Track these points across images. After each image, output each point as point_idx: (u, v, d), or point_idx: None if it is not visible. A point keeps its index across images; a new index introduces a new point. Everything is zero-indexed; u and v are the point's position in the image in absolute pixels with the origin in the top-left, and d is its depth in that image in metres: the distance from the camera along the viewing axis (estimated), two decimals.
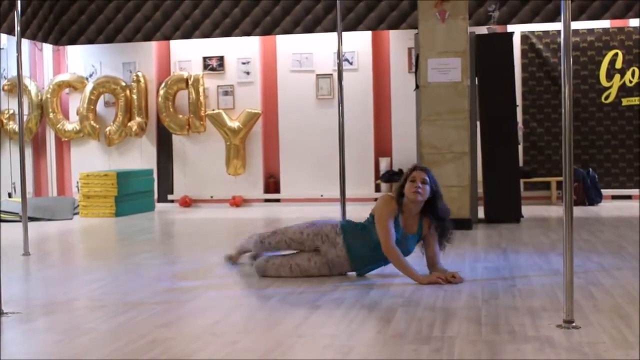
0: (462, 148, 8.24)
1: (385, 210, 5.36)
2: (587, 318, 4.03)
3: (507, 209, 8.72)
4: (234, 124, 11.88)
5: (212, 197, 12.13)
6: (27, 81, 12.22)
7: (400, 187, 5.39)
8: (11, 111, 12.35)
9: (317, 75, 11.84)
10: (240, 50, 12.04)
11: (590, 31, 11.12)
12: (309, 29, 11.36)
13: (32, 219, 9.05)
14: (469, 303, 4.54)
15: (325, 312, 4.44)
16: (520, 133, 10.12)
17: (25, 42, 11.71)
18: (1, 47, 11.84)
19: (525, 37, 11.28)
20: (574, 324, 3.85)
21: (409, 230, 5.41)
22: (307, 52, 11.85)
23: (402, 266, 5.29)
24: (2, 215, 9.63)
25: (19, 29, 7.07)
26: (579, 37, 11.03)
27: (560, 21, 4.00)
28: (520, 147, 10.51)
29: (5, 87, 12.35)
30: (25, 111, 12.03)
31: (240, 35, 11.57)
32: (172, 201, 12.27)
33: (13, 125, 12.24)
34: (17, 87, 7.31)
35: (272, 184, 12.10)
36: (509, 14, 10.68)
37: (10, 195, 11.68)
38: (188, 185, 12.23)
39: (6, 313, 4.44)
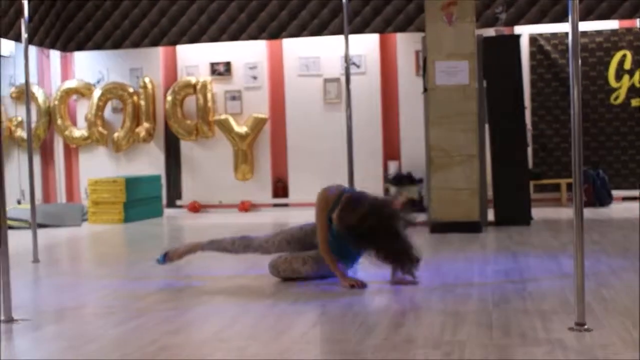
0: (471, 150, 8.21)
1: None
2: (599, 320, 4.01)
3: (517, 211, 8.68)
4: (242, 129, 11.88)
5: (220, 202, 12.12)
6: (34, 88, 12.25)
7: None
8: (19, 118, 12.39)
9: (324, 79, 11.83)
10: (247, 55, 12.05)
11: (599, 32, 11.09)
12: (316, 33, 11.36)
13: (41, 226, 9.06)
14: (479, 307, 4.52)
15: (334, 318, 4.42)
16: (528, 135, 10.08)
17: (32, 49, 11.74)
18: (9, 55, 11.88)
19: (533, 39, 11.26)
20: (585, 327, 3.83)
21: None
22: (314, 56, 11.84)
23: (332, 267, 5.40)
24: (11, 222, 9.64)
25: (26, 36, 7.08)
26: (587, 38, 11.00)
27: (568, 22, 3.97)
28: (530, 149, 10.48)
29: (14, 95, 12.39)
30: (34, 118, 12.06)
31: (247, 40, 11.58)
32: (180, 207, 12.28)
33: (21, 133, 12.28)
34: (25, 94, 7.32)
35: (280, 189, 12.09)
36: (517, 15, 10.65)
37: (19, 202, 11.71)
38: (196, 190, 12.23)
39: (16, 320, 4.45)
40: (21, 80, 11.80)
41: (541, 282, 5.24)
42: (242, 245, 5.85)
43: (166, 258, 5.97)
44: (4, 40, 10.22)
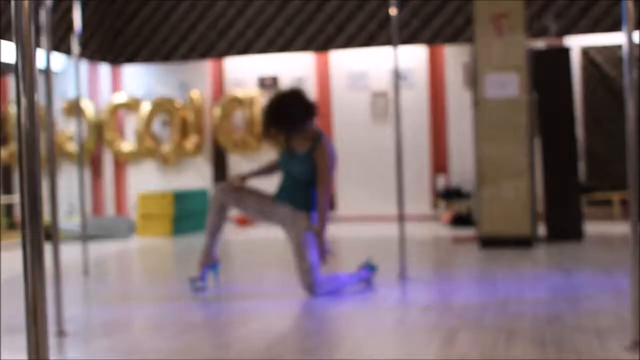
0: (521, 164, 8.11)
1: None
2: None
3: (569, 226, 8.55)
4: None
5: None
6: (84, 101, 12.40)
7: None
8: (69, 132, 12.54)
9: (372, 92, 11.81)
10: (294, 68, 12.08)
11: None
12: (363, 45, 11.38)
13: (90, 238, 9.14)
14: (532, 324, 4.43)
15: (386, 333, 4.37)
16: (580, 148, 9.95)
17: (83, 63, 11.88)
18: (60, 68, 12.04)
19: (584, 51, 11.12)
20: None
21: (297, 151, 5.65)
22: (361, 69, 11.83)
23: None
24: (61, 234, 9.74)
25: (77, 50, 7.15)
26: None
27: (619, 32, 3.89)
28: (581, 163, 10.33)
29: (64, 108, 12.55)
30: (83, 132, 12.20)
31: (295, 51, 11.62)
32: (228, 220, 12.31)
33: (72, 146, 12.43)
34: (75, 108, 7.40)
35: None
36: (567, 26, 10.54)
37: (69, 215, 11.84)
38: None
39: (67, 333, 4.47)
40: (71, 94, 11.96)
41: (596, 299, 5.13)
42: (215, 208, 5.75)
43: (196, 281, 5.91)
44: (54, 54, 10.34)
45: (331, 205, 11.98)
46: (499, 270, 6.59)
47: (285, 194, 5.64)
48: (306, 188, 5.58)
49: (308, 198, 5.58)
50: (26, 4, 1.83)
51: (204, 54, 12.01)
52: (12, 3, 1.84)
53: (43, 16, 4.74)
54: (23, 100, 1.83)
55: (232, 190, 5.68)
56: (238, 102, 12.12)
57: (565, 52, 8.96)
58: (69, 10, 10.14)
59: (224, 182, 5.83)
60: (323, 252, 5.48)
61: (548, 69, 8.64)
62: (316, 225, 5.52)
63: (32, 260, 1.87)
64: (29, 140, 1.83)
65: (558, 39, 10.60)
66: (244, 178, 5.80)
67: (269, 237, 10.33)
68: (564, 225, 8.55)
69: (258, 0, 11.81)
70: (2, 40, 9.95)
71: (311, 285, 5.44)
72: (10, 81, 12.81)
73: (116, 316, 5.15)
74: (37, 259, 1.87)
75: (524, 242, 7.96)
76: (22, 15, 1.82)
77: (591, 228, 9.39)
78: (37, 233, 1.87)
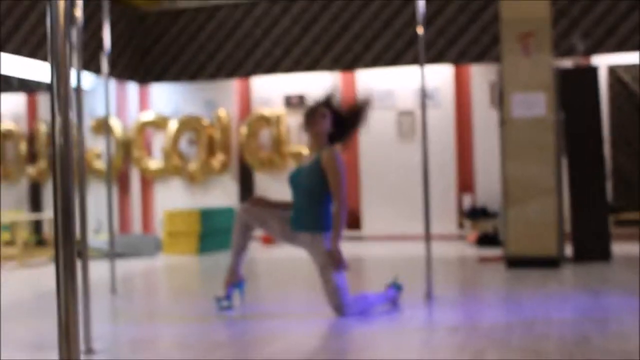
0: (548, 184, 8.07)
1: None
2: None
3: (596, 246, 8.48)
4: None
5: None
6: (113, 120, 12.50)
7: None
8: (97, 149, 12.64)
9: (398, 111, 11.81)
10: (321, 88, 12.10)
11: None
12: (390, 64, 11.40)
13: (117, 256, 9.19)
14: (559, 345, 4.40)
15: (412, 354, 4.36)
16: (607, 168, 9.88)
17: (111, 82, 11.99)
18: (89, 87, 12.16)
19: (611, 70, 11.08)
20: None
21: (305, 163, 5.68)
22: (388, 88, 11.85)
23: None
24: (90, 251, 9.79)
25: (107, 69, 7.23)
26: None
27: None
28: (609, 183, 10.26)
29: (93, 126, 12.67)
30: (111, 150, 12.29)
31: (321, 71, 11.67)
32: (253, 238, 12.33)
33: (99, 164, 12.53)
34: (104, 126, 7.46)
35: (353, 221, 12.07)
36: (595, 45, 10.51)
37: (97, 233, 11.91)
38: None
39: (96, 351, 4.49)
40: (99, 112, 12.07)
41: (623, 321, 5.09)
42: (239, 228, 5.73)
43: (222, 300, 5.93)
44: (83, 73, 10.45)
45: (355, 224, 11.97)
46: (525, 290, 6.55)
47: (299, 221, 5.60)
48: (318, 205, 5.54)
49: (322, 217, 5.55)
50: (62, 23, 1.86)
51: (231, 73, 12.10)
52: (48, 23, 1.87)
53: (74, 35, 4.80)
54: (58, 118, 1.85)
55: (255, 210, 5.68)
56: (264, 120, 12.18)
57: (592, 71, 8.93)
58: (98, 29, 10.26)
59: (247, 202, 5.82)
60: (339, 266, 5.44)
61: (575, 89, 8.61)
62: (330, 241, 5.49)
63: (65, 278, 1.89)
64: (63, 157, 1.85)
65: (585, 58, 10.57)
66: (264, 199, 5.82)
67: (295, 255, 10.33)
68: (591, 246, 8.49)
69: (285, 20, 11.88)
70: (30, 59, 10.07)
71: (340, 306, 5.44)
72: (40, 100, 12.95)
73: (143, 334, 5.17)
74: (70, 277, 1.89)
75: (550, 263, 7.91)
76: (57, 35, 1.85)
77: (618, 248, 9.31)
78: (70, 251, 1.89)
